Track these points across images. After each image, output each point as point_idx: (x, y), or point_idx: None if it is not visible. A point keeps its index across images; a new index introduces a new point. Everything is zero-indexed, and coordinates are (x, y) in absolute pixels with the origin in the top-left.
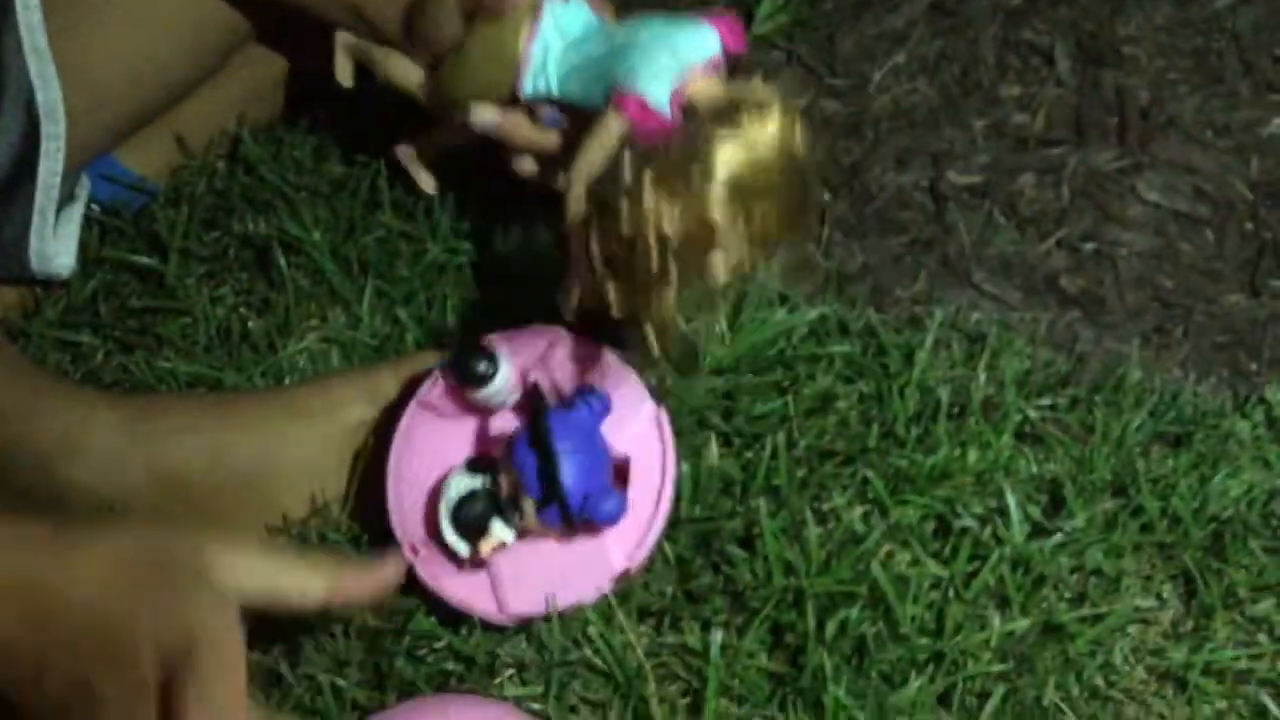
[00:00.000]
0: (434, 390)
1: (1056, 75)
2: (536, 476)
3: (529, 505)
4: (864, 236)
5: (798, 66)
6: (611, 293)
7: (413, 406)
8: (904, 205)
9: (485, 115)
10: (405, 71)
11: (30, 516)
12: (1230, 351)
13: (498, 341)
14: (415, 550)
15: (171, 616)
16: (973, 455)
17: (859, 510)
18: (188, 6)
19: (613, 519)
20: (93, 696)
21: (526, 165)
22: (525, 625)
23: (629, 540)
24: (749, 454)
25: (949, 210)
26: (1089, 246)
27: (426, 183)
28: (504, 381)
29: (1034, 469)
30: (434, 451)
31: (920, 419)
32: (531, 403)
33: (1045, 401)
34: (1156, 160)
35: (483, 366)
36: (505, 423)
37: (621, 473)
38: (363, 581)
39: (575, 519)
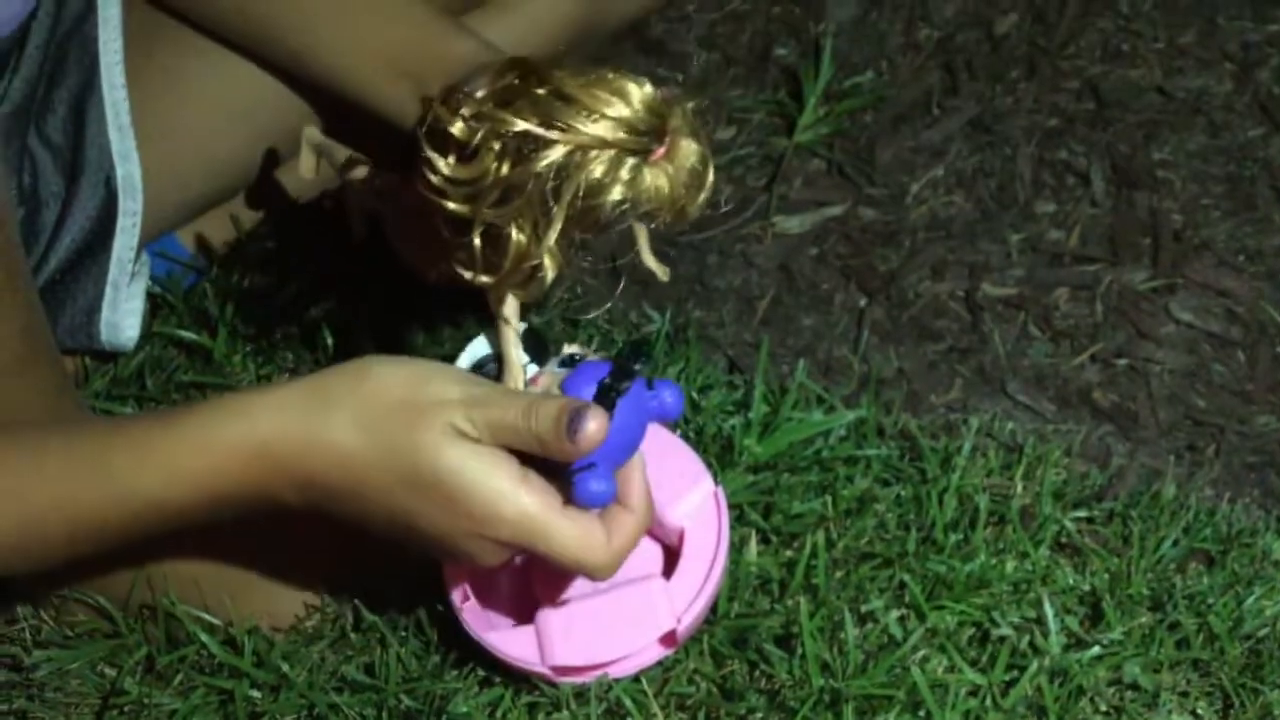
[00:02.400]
0: None
1: (1091, 195)
2: None
3: None
4: (900, 343)
5: (837, 174)
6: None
7: None
8: (940, 314)
9: None
10: (360, 174)
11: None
12: (1261, 472)
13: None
14: (466, 597)
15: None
16: (1011, 564)
17: (896, 614)
18: (263, 95)
19: (589, 499)
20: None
21: None
22: (556, 685)
23: (679, 602)
24: (788, 552)
25: (984, 320)
26: (1122, 362)
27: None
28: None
29: (1071, 580)
30: None
31: (958, 525)
32: (625, 363)
33: (1082, 514)
34: (1189, 282)
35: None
36: None
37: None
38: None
39: (568, 468)
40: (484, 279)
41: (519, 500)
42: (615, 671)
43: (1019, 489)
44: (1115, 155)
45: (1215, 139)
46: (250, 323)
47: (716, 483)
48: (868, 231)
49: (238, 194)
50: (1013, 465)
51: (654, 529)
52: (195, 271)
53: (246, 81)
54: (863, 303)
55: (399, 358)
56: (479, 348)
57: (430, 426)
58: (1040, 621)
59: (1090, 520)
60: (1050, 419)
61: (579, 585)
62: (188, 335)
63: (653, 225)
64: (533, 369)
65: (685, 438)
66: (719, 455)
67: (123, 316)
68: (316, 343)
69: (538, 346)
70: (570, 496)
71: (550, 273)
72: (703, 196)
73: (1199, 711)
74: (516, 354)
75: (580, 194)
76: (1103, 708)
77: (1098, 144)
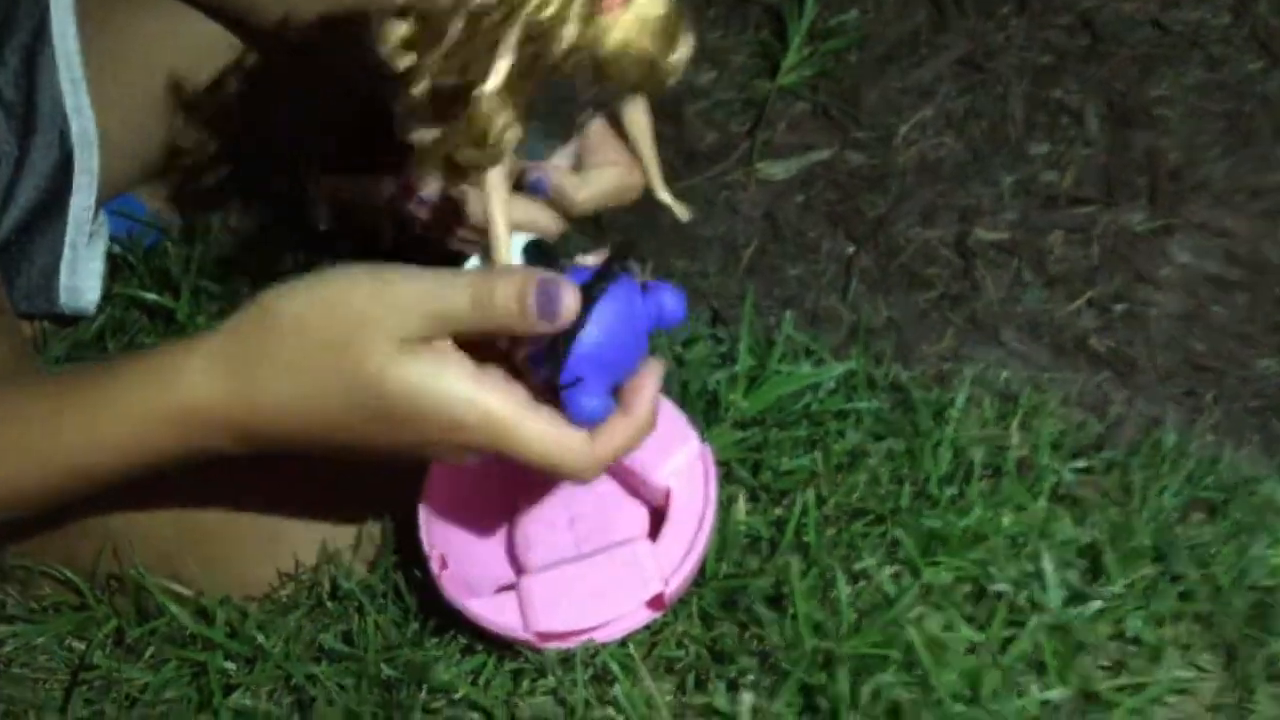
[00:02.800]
0: None
1: (1086, 134)
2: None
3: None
4: (889, 291)
5: (822, 117)
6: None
7: None
8: (930, 260)
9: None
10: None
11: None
12: (1262, 417)
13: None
14: (444, 564)
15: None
16: (1007, 518)
17: (890, 571)
18: (220, 44)
19: (582, 416)
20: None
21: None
22: (541, 653)
23: (666, 565)
24: (777, 510)
25: (976, 266)
26: (1119, 307)
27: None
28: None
29: (1070, 533)
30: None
31: (953, 479)
32: (608, 263)
33: (1080, 464)
34: (1187, 222)
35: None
36: None
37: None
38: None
39: (557, 385)
40: (430, 133)
41: (480, 402)
42: (601, 636)
43: (1015, 440)
44: (1110, 92)
45: (1213, 74)
46: (215, 283)
47: (703, 440)
48: (855, 176)
49: (200, 150)
50: (1008, 416)
51: (640, 490)
52: (156, 230)
53: (207, 38)
54: (850, 250)
55: (299, 284)
56: (474, 264)
57: (361, 361)
58: (1039, 576)
59: (1089, 470)
60: (1046, 367)
61: (562, 548)
62: (149, 296)
63: (631, 90)
64: None
65: (669, 394)
66: (705, 411)
67: (82, 279)
68: None
69: (546, 261)
70: (565, 415)
71: (506, 129)
72: (678, 53)
73: (1202, 664)
74: (505, 225)
75: (528, 34)
76: (1104, 663)
77: (1092, 81)
